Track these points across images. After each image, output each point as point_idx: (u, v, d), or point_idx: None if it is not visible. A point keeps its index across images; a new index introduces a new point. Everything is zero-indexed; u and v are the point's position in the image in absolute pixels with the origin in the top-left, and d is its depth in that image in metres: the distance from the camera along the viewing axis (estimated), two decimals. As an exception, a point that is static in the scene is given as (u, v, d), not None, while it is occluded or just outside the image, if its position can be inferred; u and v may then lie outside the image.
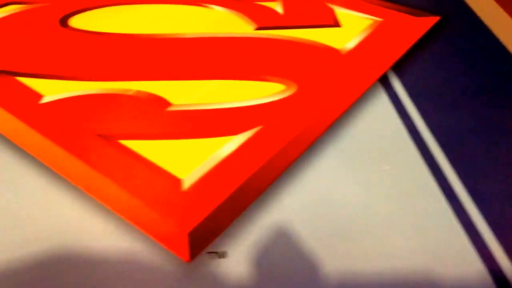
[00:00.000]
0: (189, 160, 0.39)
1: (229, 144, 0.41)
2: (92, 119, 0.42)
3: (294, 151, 0.41)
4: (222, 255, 0.34)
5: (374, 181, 0.39)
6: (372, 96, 0.46)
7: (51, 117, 0.42)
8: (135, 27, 0.51)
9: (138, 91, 0.45)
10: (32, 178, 0.39)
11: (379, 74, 0.48)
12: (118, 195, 0.37)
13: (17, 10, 0.52)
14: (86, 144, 0.40)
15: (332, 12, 0.55)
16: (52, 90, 0.44)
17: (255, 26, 0.53)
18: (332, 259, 0.34)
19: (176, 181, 0.38)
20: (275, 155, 0.40)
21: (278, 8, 0.55)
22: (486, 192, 0.38)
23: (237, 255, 0.34)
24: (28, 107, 0.42)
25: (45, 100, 0.43)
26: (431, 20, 0.54)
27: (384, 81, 0.47)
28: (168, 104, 0.44)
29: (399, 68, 0.48)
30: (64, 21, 0.52)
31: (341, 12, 0.55)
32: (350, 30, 0.53)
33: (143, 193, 0.37)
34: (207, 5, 0.55)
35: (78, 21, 0.52)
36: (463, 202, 0.37)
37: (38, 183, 0.39)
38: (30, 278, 0.32)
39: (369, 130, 0.43)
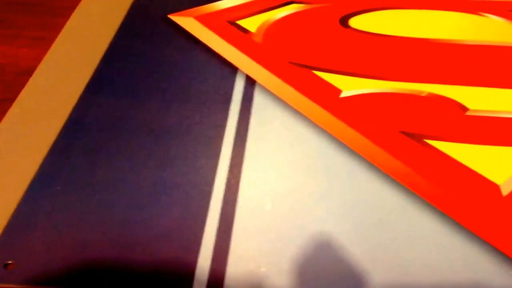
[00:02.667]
0: (501, 167, 0.40)
1: (540, 156, 0.40)
2: (394, 116, 0.44)
3: None
4: None
5: None
6: None
7: (353, 110, 0.44)
8: (414, 31, 0.53)
9: (431, 93, 0.46)
10: (343, 162, 0.42)
11: None
12: (437, 193, 0.38)
13: (300, 9, 0.56)
14: (394, 140, 0.42)
15: None
16: (348, 85, 0.47)
17: (538, 37, 0.51)
18: None
19: (495, 187, 0.38)
20: None
21: (561, 20, 0.53)
22: None
23: None
24: (331, 99, 0.45)
25: (344, 94, 0.46)
26: None
27: None
28: (465, 108, 0.44)
29: None
30: (344, 21, 0.55)
31: None
32: None
33: (466, 196, 0.38)
34: (483, 13, 0.55)
35: (358, 22, 0.54)
36: None
37: (348, 167, 0.41)
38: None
39: None
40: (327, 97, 0.46)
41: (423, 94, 0.46)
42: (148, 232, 0.36)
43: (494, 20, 0.55)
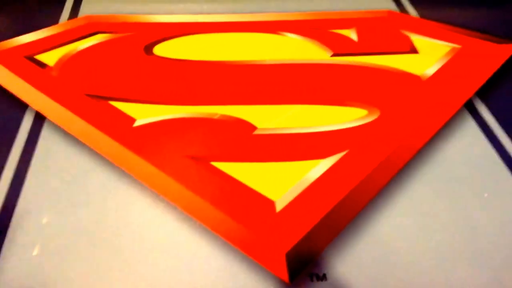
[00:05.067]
0: (279, 183, 0.40)
1: (317, 168, 0.41)
2: (182, 141, 0.43)
3: (384, 175, 0.41)
4: (321, 277, 0.34)
5: (474, 207, 0.39)
6: (459, 123, 0.46)
7: (144, 138, 0.43)
8: (215, 54, 0.53)
9: (223, 115, 0.46)
10: (128, 193, 0.40)
11: (463, 100, 0.48)
12: (213, 214, 0.38)
13: (104, 39, 0.55)
14: (179, 165, 0.41)
15: (408, 39, 0.56)
16: (143, 114, 0.46)
17: (331, 53, 0.54)
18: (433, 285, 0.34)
19: (270, 203, 0.39)
20: (365, 179, 0.40)
21: (353, 35, 0.57)
22: None
23: (336, 277, 0.34)
24: (123, 130, 0.44)
25: (137, 123, 0.45)
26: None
27: (470, 108, 0.47)
28: (253, 127, 0.45)
29: (484, 94, 0.49)
30: (148, 49, 0.54)
31: (417, 39, 0.56)
32: (428, 57, 0.53)
33: (239, 214, 0.38)
34: (282, 33, 0.57)
35: (162, 49, 0.54)
36: None
37: (134, 199, 0.40)
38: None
39: (460, 157, 0.43)
40: (118, 128, 0.44)
41: (216, 117, 0.46)
42: None
43: (292, 39, 0.57)
